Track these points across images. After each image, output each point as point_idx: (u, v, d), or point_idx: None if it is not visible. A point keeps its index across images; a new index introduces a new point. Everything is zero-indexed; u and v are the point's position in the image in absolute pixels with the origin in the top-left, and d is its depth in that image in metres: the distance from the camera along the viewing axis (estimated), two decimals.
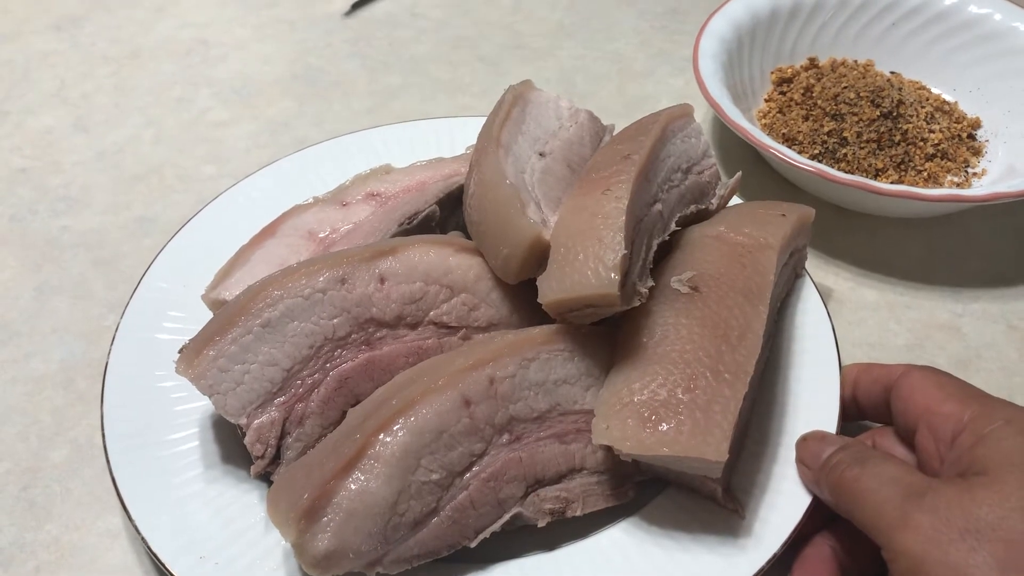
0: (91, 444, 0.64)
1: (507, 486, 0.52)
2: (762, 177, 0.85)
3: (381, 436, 0.50)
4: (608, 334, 0.58)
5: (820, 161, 0.80)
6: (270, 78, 1.00)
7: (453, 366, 0.53)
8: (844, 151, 0.81)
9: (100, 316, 0.73)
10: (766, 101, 0.90)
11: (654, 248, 0.59)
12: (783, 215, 0.64)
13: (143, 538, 0.52)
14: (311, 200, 0.70)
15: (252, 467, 0.53)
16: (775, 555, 0.52)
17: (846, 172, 0.76)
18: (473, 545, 0.52)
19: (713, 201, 0.68)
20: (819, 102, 0.84)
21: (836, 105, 0.83)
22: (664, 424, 0.50)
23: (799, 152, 0.80)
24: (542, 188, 0.62)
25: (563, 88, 0.99)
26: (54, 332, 0.72)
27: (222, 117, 0.95)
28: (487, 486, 0.52)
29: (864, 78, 0.86)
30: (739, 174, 0.69)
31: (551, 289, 0.54)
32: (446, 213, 0.67)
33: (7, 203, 0.84)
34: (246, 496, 0.56)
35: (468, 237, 0.63)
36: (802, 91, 0.87)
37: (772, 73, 0.91)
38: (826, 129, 0.82)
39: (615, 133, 0.72)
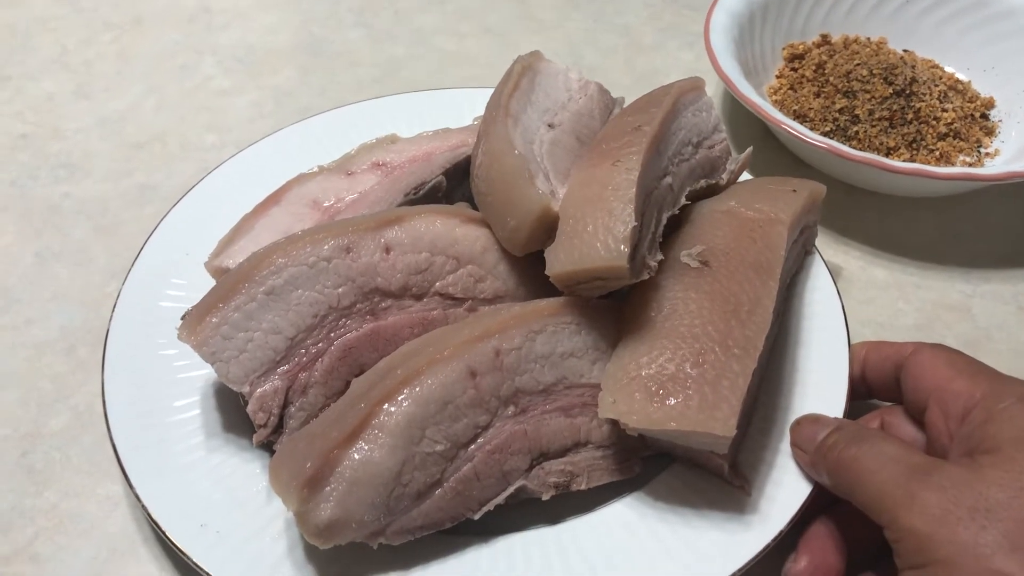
0: (91, 411, 0.63)
1: (512, 459, 0.52)
2: (772, 153, 0.84)
3: (386, 406, 0.49)
4: (615, 307, 0.57)
5: (831, 139, 0.79)
6: (274, 47, 0.99)
7: (459, 337, 0.52)
8: (856, 129, 0.80)
9: (101, 283, 0.73)
10: (777, 77, 0.89)
11: (663, 221, 0.59)
12: (794, 191, 0.63)
13: (143, 506, 0.52)
14: (316, 169, 0.69)
15: (254, 436, 0.53)
16: (781, 533, 0.52)
17: (858, 149, 0.75)
18: (476, 517, 0.51)
19: (723, 176, 0.67)
20: (831, 79, 0.83)
21: (848, 82, 0.82)
22: (672, 398, 0.50)
23: (810, 129, 0.79)
24: (551, 159, 0.61)
25: (571, 61, 0.98)
26: (54, 299, 0.71)
27: (225, 85, 0.93)
28: (492, 458, 0.51)
29: (877, 55, 0.85)
30: (750, 149, 0.69)
31: (559, 261, 0.54)
32: (453, 184, 0.67)
33: (7, 169, 0.83)
34: (248, 465, 0.55)
35: (475, 208, 0.62)
36: (814, 68, 0.86)
37: (784, 49, 0.90)
38: (838, 106, 0.81)
39: (625, 106, 0.71)
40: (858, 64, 0.84)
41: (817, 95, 0.84)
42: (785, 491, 0.53)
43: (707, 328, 0.53)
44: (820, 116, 0.82)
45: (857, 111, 0.80)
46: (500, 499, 0.52)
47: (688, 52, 0.99)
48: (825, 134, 0.81)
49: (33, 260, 0.75)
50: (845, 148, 0.71)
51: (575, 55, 0.99)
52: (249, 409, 0.53)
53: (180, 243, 0.67)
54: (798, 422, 0.55)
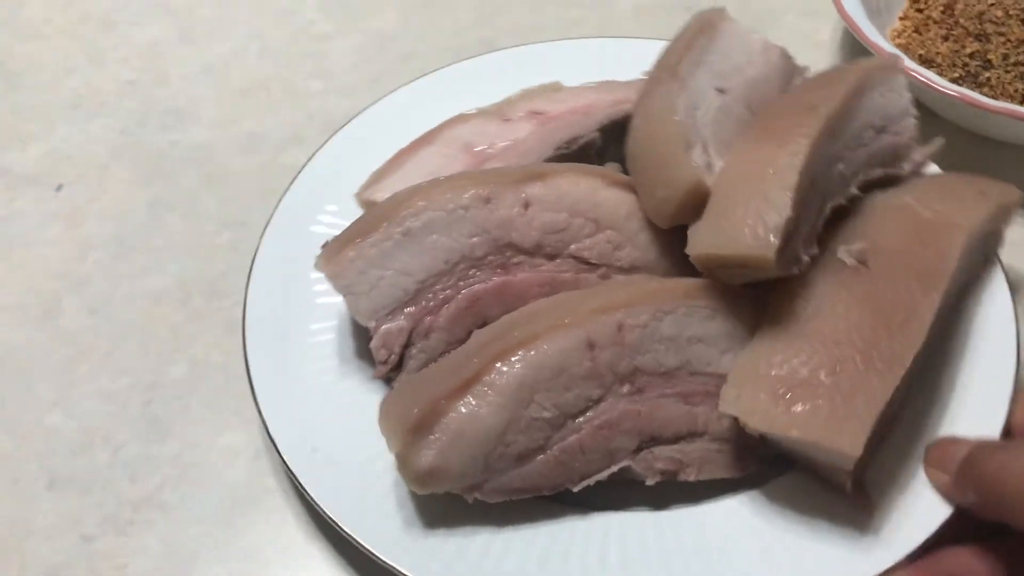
0: (207, 362, 0.64)
1: (620, 437, 0.50)
2: None
3: (499, 365, 0.49)
4: (759, 298, 0.54)
5: (961, 85, 0.72)
6: None
7: (584, 306, 0.51)
8: (988, 75, 0.73)
9: (213, 233, 0.73)
10: (901, 20, 0.81)
11: (826, 212, 0.54)
12: (982, 193, 0.57)
13: (263, 420, 0.54)
14: (475, 111, 0.69)
15: (375, 370, 0.54)
16: (898, 562, 0.48)
17: (990, 98, 0.68)
18: (576, 489, 0.50)
19: (905, 166, 0.61)
20: (961, 20, 0.76)
21: (981, 24, 0.75)
22: (799, 405, 0.46)
23: (938, 75, 0.72)
24: (714, 128, 0.58)
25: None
26: (168, 248, 0.72)
27: (326, 30, 0.91)
28: (599, 433, 0.50)
29: None
30: (940, 140, 0.62)
31: (702, 241, 0.51)
32: (608, 142, 0.64)
33: (117, 116, 0.84)
34: (369, 396, 0.56)
35: (625, 171, 0.60)
36: (941, 8, 0.78)
37: None
38: (968, 51, 0.74)
39: (808, 76, 0.66)
40: (992, 4, 0.76)
41: (945, 38, 0.76)
42: (913, 519, 0.49)
43: (852, 335, 0.48)
44: (948, 61, 0.75)
45: (990, 56, 0.73)
46: (603, 476, 0.50)
47: None
48: (954, 80, 0.73)
49: (146, 209, 0.75)
50: (979, 97, 0.65)
51: None
52: (372, 345, 0.54)
53: (340, 169, 0.68)
54: (935, 443, 0.51)
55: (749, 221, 0.48)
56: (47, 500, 0.58)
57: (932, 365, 0.55)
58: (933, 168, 0.65)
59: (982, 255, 0.59)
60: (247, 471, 0.59)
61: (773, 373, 0.48)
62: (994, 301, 0.58)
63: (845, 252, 0.53)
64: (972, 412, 0.53)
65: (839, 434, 0.45)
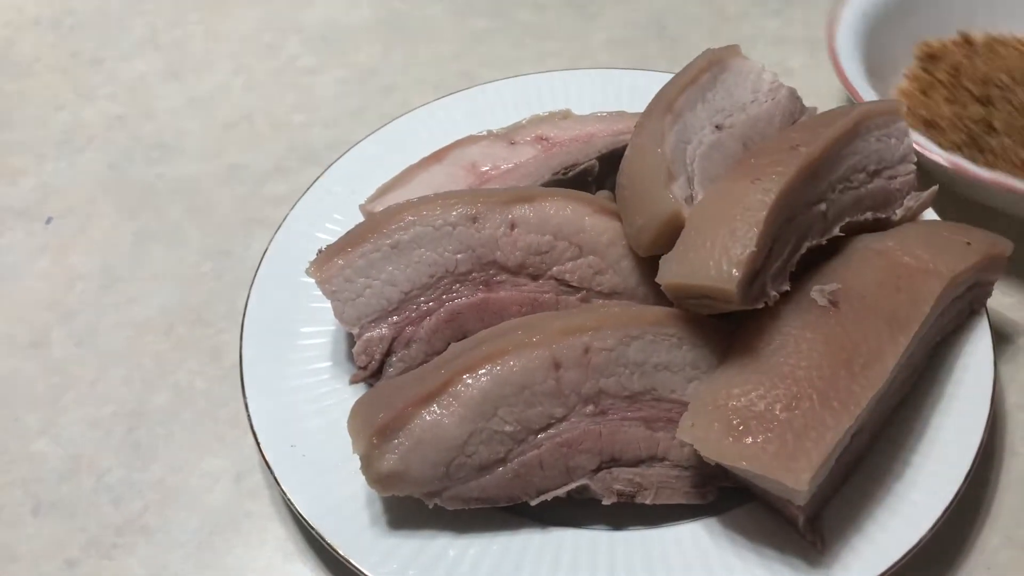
0: (191, 389, 0.66)
1: (580, 456, 0.52)
2: None
3: (465, 377, 0.51)
4: (727, 330, 0.54)
5: (963, 151, 0.70)
6: (356, 23, 0.99)
7: (552, 326, 0.53)
8: (991, 141, 0.70)
9: (196, 263, 0.75)
10: (906, 78, 0.80)
11: (802, 250, 0.55)
12: (968, 243, 0.57)
13: (248, 413, 0.57)
14: (485, 132, 0.71)
15: (352, 375, 0.57)
16: None
17: (992, 165, 0.67)
18: (533, 503, 0.52)
19: (898, 211, 0.62)
20: (965, 83, 0.74)
21: (986, 88, 0.73)
22: (750, 437, 0.47)
23: (940, 139, 0.71)
24: (703, 163, 0.59)
25: (653, 31, 0.94)
26: (153, 279, 0.74)
27: (310, 64, 0.94)
28: (559, 451, 0.52)
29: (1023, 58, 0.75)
30: (935, 188, 0.62)
31: (671, 271, 0.52)
32: (607, 170, 0.66)
33: (105, 150, 0.86)
34: (352, 400, 0.59)
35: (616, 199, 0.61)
36: (948, 70, 0.77)
37: (917, 47, 0.80)
38: (972, 115, 0.72)
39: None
40: (999, 67, 0.74)
41: (950, 101, 0.74)
42: (863, 560, 0.49)
43: (811, 373, 0.49)
44: (951, 124, 0.73)
45: (994, 121, 0.71)
46: (560, 492, 0.52)
47: (774, 19, 0.94)
48: (956, 144, 0.71)
49: (132, 240, 0.77)
50: (971, 166, 0.63)
51: (657, 25, 0.95)
52: (354, 350, 0.57)
53: (352, 182, 0.72)
54: None
55: (715, 254, 0.50)
56: (32, 525, 0.59)
57: (905, 411, 0.56)
58: (931, 215, 0.65)
59: (967, 305, 0.59)
60: (228, 495, 0.60)
61: (730, 404, 0.49)
62: (975, 352, 0.58)
63: (818, 292, 0.53)
64: (937, 462, 0.53)
65: (786, 469, 0.46)
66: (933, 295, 0.53)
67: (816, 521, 0.51)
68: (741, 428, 0.48)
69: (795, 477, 0.46)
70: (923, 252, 0.56)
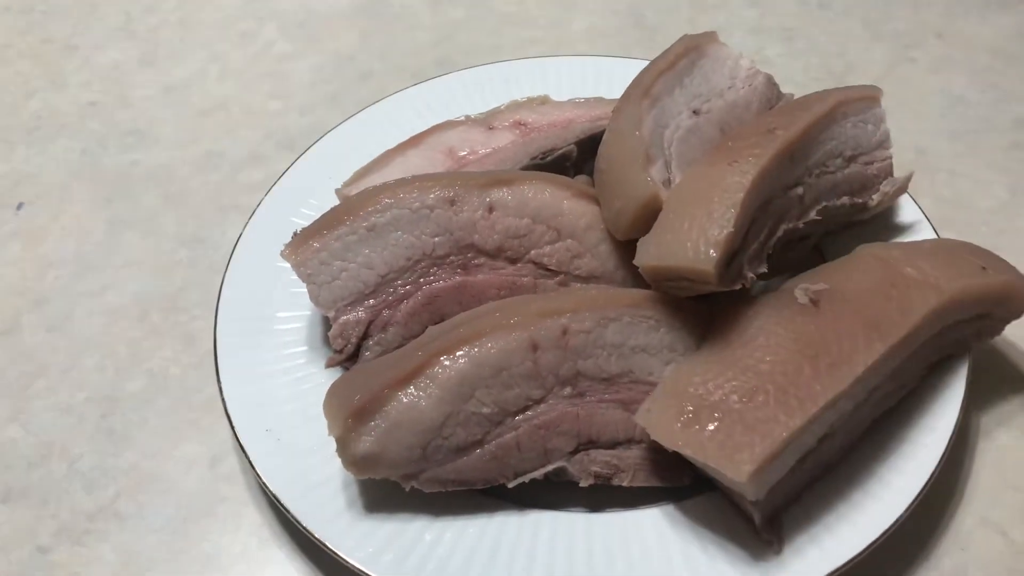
0: (165, 375, 0.65)
1: (557, 438, 0.52)
2: None
3: (442, 359, 0.51)
4: (705, 314, 0.55)
5: None
6: (333, 11, 0.98)
7: (530, 308, 0.52)
8: None
9: (171, 251, 0.74)
10: None
11: (779, 233, 0.55)
12: (983, 267, 0.55)
13: (222, 397, 0.56)
14: (463, 118, 0.71)
15: (328, 359, 0.56)
16: None
17: None
18: (510, 486, 0.52)
19: (874, 197, 0.62)
20: None
21: None
22: (698, 425, 0.47)
23: None
24: (681, 147, 0.59)
25: (631, 20, 0.94)
26: (127, 266, 0.73)
27: (286, 51, 0.94)
28: (537, 433, 0.51)
29: None
30: (911, 173, 0.62)
31: (648, 253, 0.52)
32: (585, 156, 0.66)
33: (78, 137, 0.85)
34: (327, 384, 0.58)
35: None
36: None
37: None
38: None
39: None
40: None
41: None
42: (823, 551, 0.49)
43: (774, 367, 0.49)
44: None
45: None
46: (537, 474, 0.52)
47: (752, 9, 0.95)
48: None
49: (105, 228, 0.76)
50: None
51: (635, 15, 0.95)
52: (330, 334, 0.56)
53: (327, 167, 0.71)
54: None
55: (692, 235, 0.50)
56: (2, 512, 0.59)
57: (884, 423, 0.54)
58: (909, 203, 0.65)
59: (973, 334, 0.56)
60: (203, 481, 0.60)
61: (688, 391, 0.49)
62: (946, 387, 0.56)
63: (802, 291, 0.53)
64: (901, 473, 0.52)
65: (729, 460, 0.45)
66: (925, 309, 0.52)
67: (775, 520, 0.50)
68: (692, 416, 0.48)
69: (737, 469, 0.45)
70: (928, 265, 0.54)
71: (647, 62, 0.66)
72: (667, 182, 0.56)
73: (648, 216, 0.54)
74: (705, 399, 0.48)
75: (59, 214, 0.78)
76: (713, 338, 0.52)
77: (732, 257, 0.51)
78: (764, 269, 0.53)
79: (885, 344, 0.50)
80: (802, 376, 0.48)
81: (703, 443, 0.46)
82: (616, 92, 0.74)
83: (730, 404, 0.47)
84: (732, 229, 0.49)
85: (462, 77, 0.80)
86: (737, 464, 0.45)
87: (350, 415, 0.50)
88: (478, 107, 0.74)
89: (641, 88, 0.60)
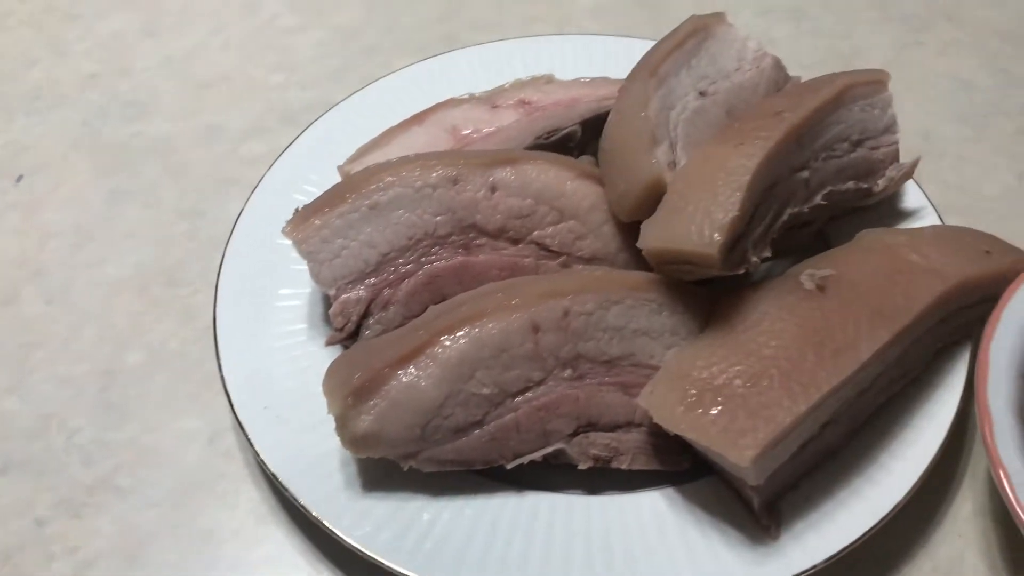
0: (165, 349, 0.65)
1: (557, 420, 0.52)
2: None
3: (443, 338, 0.50)
4: (709, 298, 0.54)
5: None
6: None
7: (532, 289, 0.52)
8: None
9: (171, 223, 0.73)
10: None
11: (784, 217, 0.55)
12: (988, 252, 0.55)
13: (221, 374, 0.56)
14: (467, 96, 0.70)
15: (328, 337, 0.56)
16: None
17: None
18: (509, 467, 0.52)
19: (880, 182, 0.61)
20: None
21: None
22: (701, 409, 0.47)
23: None
24: (687, 129, 0.58)
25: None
26: (127, 238, 0.72)
27: (290, 23, 0.92)
28: (536, 414, 0.51)
29: None
30: (917, 158, 0.62)
31: (652, 236, 0.52)
32: (589, 136, 0.65)
33: (78, 108, 0.84)
34: (326, 362, 0.58)
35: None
36: None
37: None
38: None
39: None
40: None
41: None
42: (822, 538, 0.49)
43: (778, 352, 0.49)
44: None
45: None
46: (536, 456, 0.52)
47: None
48: None
49: (105, 199, 0.76)
50: None
51: None
52: (331, 312, 0.56)
53: (329, 143, 0.70)
54: None
55: (697, 218, 0.49)
56: (0, 484, 0.59)
57: (887, 410, 0.54)
58: (914, 189, 0.65)
59: (977, 319, 0.55)
60: (202, 456, 0.59)
61: (691, 375, 0.49)
62: (951, 372, 0.56)
63: (808, 276, 0.52)
64: (903, 460, 0.52)
65: (732, 444, 0.45)
66: (931, 295, 0.51)
67: (774, 506, 0.50)
68: (695, 399, 0.47)
69: (739, 453, 0.45)
70: (933, 252, 0.54)
71: (654, 42, 0.65)
72: (672, 164, 0.55)
73: (652, 198, 0.54)
74: (708, 383, 0.48)
75: (59, 185, 0.78)
76: (716, 322, 0.51)
77: (736, 241, 0.50)
78: (768, 254, 0.53)
79: (890, 331, 0.50)
80: (806, 362, 0.48)
81: (706, 427, 0.46)
82: (622, 72, 0.74)
83: (733, 388, 0.47)
84: (737, 213, 0.49)
85: (467, 54, 0.79)
86: (740, 448, 0.45)
87: (350, 393, 0.50)
88: (482, 85, 0.73)
89: (647, 68, 0.60)
